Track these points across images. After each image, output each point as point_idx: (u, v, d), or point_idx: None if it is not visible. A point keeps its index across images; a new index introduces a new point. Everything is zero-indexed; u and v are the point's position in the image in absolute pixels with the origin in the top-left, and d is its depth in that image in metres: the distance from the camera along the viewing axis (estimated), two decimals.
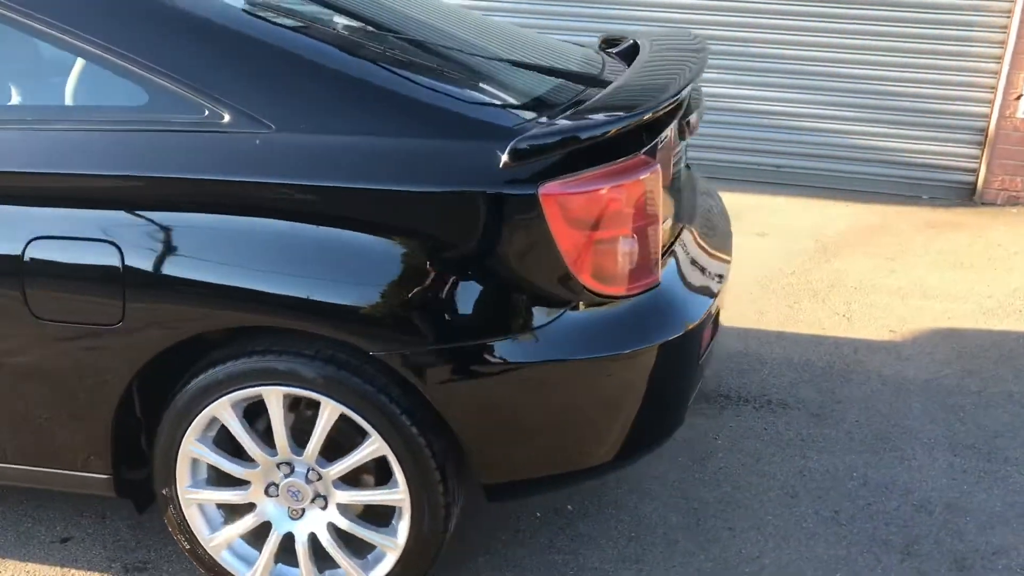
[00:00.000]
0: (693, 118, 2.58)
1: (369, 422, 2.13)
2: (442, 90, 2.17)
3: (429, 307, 2.05)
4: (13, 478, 2.43)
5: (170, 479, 2.29)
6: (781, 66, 5.95)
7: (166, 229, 2.08)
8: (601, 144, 2.04)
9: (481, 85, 2.32)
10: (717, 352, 3.53)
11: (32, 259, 2.11)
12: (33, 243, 2.11)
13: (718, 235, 2.80)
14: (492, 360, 2.07)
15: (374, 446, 2.15)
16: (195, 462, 2.29)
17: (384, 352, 2.06)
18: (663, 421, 2.35)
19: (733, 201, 3.60)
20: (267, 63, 2.11)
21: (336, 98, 2.09)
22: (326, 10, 2.55)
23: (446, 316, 2.06)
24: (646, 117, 2.08)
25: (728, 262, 2.69)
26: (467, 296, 2.06)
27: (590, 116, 2.10)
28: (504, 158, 1.95)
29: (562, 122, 2.08)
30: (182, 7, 2.15)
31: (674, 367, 2.25)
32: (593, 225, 2.03)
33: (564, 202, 1.99)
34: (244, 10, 2.25)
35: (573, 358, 2.09)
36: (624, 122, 2.05)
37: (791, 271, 4.55)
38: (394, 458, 2.15)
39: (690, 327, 2.22)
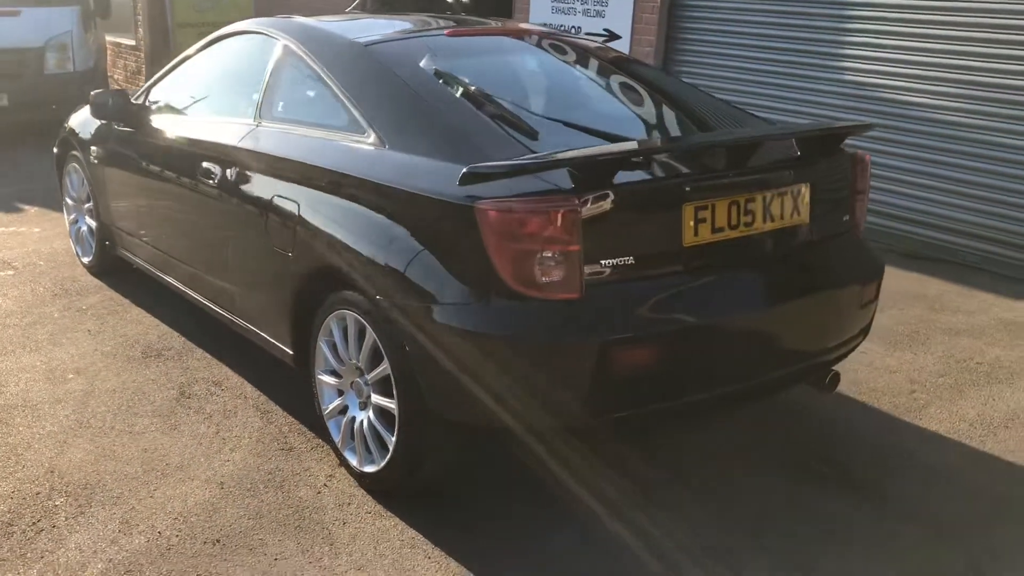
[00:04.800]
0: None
1: (383, 348, 2.99)
2: (479, 136, 3.02)
3: (408, 273, 2.86)
4: (245, 331, 3.84)
5: (312, 363, 3.44)
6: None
7: (322, 199, 3.29)
8: (524, 179, 2.68)
9: (512, 136, 3.03)
10: None
11: (272, 209, 3.49)
12: (274, 198, 3.49)
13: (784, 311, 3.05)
14: (432, 318, 2.78)
15: (384, 365, 3.07)
16: (321, 355, 3.34)
17: (383, 299, 2.94)
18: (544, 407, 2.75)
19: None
20: (399, 107, 3.21)
21: (421, 131, 3.10)
22: (483, 78, 3.43)
23: (415, 281, 2.86)
24: (554, 163, 2.66)
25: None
26: (432, 271, 2.84)
27: (526, 161, 2.72)
28: (459, 179, 2.74)
29: (503, 161, 2.73)
30: (388, 70, 3.34)
31: (552, 365, 2.71)
32: (512, 238, 2.68)
33: (490, 216, 2.70)
34: (412, 73, 3.35)
35: (477, 330, 2.72)
36: (537, 166, 2.68)
37: None
38: (392, 378, 3.02)
39: (580, 342, 2.68)
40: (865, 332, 3.48)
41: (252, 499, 3.18)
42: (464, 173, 2.66)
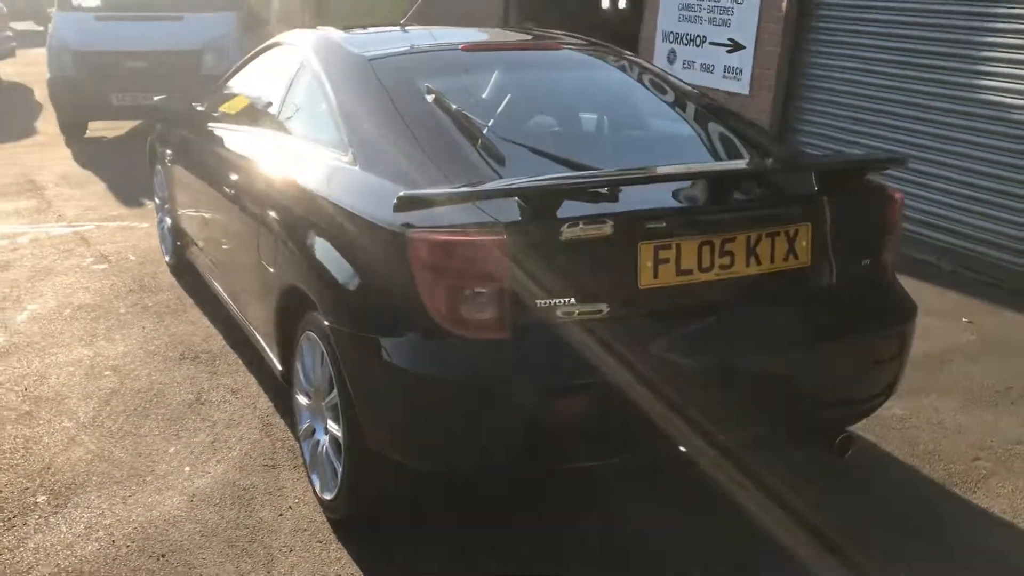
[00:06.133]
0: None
1: (333, 374, 2.89)
2: (444, 161, 2.85)
3: (353, 300, 2.76)
4: (255, 343, 3.82)
5: (292, 382, 3.37)
6: None
7: (298, 216, 3.21)
8: (462, 209, 2.50)
9: (482, 162, 2.86)
10: None
11: (263, 222, 3.46)
12: (266, 211, 3.46)
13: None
14: (367, 350, 2.66)
15: (335, 392, 2.98)
16: (296, 374, 3.24)
17: (333, 324, 2.82)
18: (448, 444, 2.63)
19: None
20: (377, 125, 3.10)
21: (390, 153, 2.97)
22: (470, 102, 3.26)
23: (357, 309, 2.75)
24: (479, 193, 2.48)
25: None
26: (371, 300, 2.72)
27: (458, 189, 2.55)
28: (393, 205, 2.57)
29: (436, 188, 2.59)
30: (379, 86, 3.24)
31: (461, 406, 2.54)
32: (436, 270, 2.51)
33: (415, 246, 2.53)
34: (403, 90, 3.22)
35: (402, 366, 2.56)
36: (464, 196, 2.50)
37: None
38: (339, 406, 2.91)
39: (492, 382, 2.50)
40: (889, 391, 3.08)
41: (214, 515, 3.16)
42: (397, 199, 2.50)
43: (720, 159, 3.18)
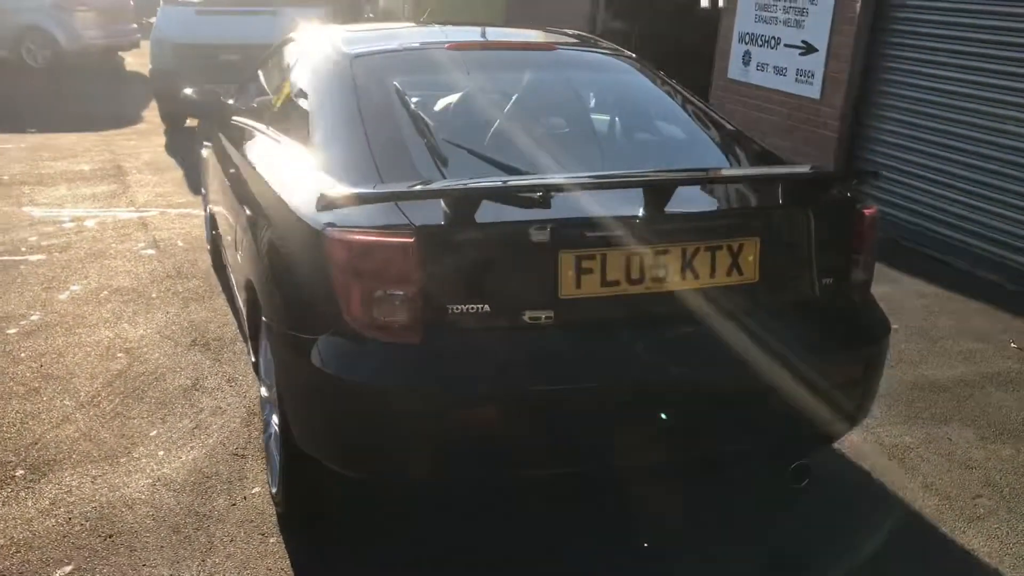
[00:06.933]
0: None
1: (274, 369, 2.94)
2: (388, 162, 2.81)
3: (283, 298, 2.79)
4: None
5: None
6: None
7: (256, 211, 3.25)
8: (382, 210, 2.47)
9: (426, 163, 2.82)
10: None
11: (238, 216, 3.51)
12: (242, 206, 3.51)
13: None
14: (290, 348, 2.68)
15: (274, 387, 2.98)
16: (259, 366, 3.31)
17: (269, 321, 2.88)
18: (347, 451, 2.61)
19: None
20: (336, 123, 3.10)
21: (340, 151, 2.97)
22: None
23: (286, 308, 2.77)
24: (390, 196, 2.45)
25: None
26: (297, 299, 2.72)
27: (374, 189, 2.54)
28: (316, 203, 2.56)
29: (351, 189, 2.54)
30: (350, 83, 3.24)
31: (362, 410, 2.50)
32: (350, 271, 2.47)
33: (331, 246, 2.51)
34: (371, 89, 3.20)
35: (319, 367, 2.53)
36: (379, 196, 2.48)
37: None
38: (276, 399, 2.94)
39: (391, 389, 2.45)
40: (852, 419, 2.90)
41: (171, 500, 3.23)
42: (319, 197, 2.48)
43: (680, 167, 3.04)
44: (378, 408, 2.49)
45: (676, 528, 3.10)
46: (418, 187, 2.48)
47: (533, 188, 2.54)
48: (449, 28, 4.06)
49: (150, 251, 5.95)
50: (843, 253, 2.81)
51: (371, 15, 14.19)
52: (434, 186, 2.50)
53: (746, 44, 7.97)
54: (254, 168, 3.50)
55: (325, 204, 2.47)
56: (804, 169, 3.04)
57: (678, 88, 3.63)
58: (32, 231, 6.32)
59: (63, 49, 14.89)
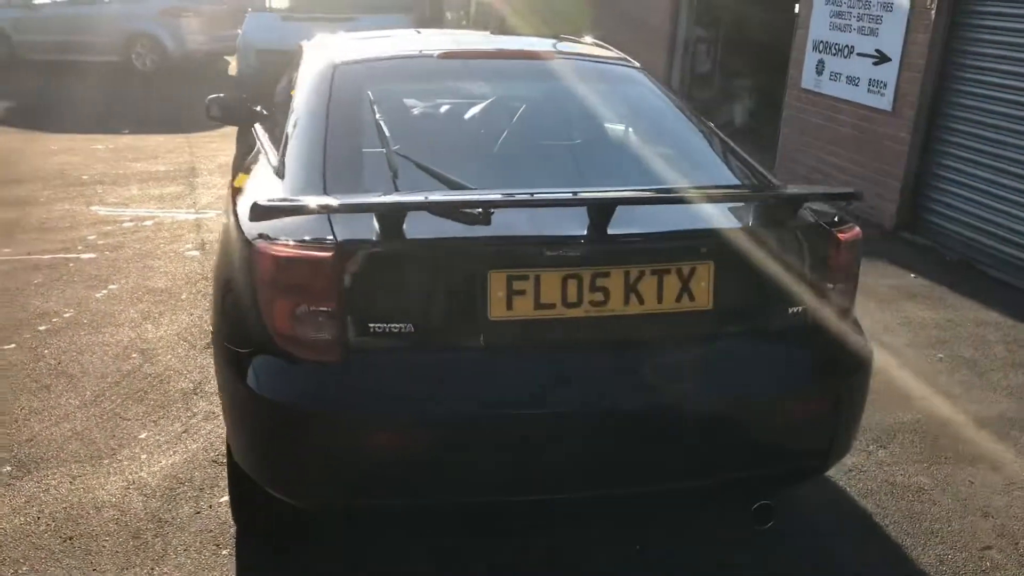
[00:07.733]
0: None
1: None
2: (338, 174, 2.74)
3: (222, 310, 2.76)
4: None
5: None
6: None
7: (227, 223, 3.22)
8: (311, 223, 2.40)
9: (362, 172, 2.79)
10: None
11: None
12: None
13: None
14: (222, 362, 2.65)
15: None
16: None
17: (214, 333, 2.85)
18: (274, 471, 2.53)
19: None
20: (302, 131, 3.03)
21: (298, 161, 2.90)
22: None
23: (222, 320, 2.74)
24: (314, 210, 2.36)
25: None
26: (231, 312, 2.67)
27: (298, 201, 2.45)
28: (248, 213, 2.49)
29: (277, 202, 2.45)
30: (324, 92, 3.18)
31: (279, 429, 2.43)
32: (272, 285, 2.41)
33: (256, 258, 2.44)
34: (345, 98, 3.13)
35: (243, 382, 2.47)
36: (309, 210, 2.38)
37: None
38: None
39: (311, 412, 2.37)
40: (823, 458, 2.69)
41: (139, 505, 3.24)
42: (251, 207, 2.42)
43: (654, 184, 2.87)
44: (296, 429, 2.41)
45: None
46: (333, 201, 2.39)
47: (464, 204, 2.43)
48: (464, 35, 3.97)
49: (194, 253, 6.06)
50: (815, 280, 2.60)
51: (450, 16, 14.23)
52: (362, 200, 2.42)
53: (820, 52, 7.64)
54: (244, 174, 3.49)
55: (259, 215, 2.41)
56: (767, 190, 2.83)
57: (674, 101, 3.45)
58: (92, 230, 6.52)
59: (169, 54, 15.47)
